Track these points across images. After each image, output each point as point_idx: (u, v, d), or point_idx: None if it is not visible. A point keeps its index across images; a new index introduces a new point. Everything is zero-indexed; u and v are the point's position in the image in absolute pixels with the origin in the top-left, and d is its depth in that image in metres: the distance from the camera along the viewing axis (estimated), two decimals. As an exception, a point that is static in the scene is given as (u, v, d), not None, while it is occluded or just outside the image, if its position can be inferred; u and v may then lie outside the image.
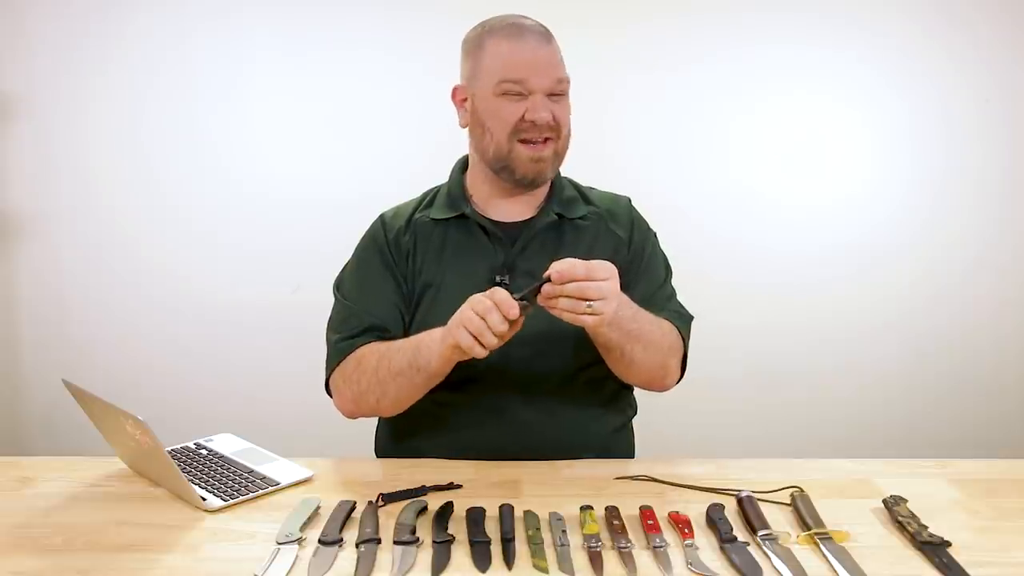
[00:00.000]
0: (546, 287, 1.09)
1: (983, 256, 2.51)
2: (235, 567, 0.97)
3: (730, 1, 2.39)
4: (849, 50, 2.41)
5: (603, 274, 1.10)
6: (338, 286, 1.40)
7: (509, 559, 0.97)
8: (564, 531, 1.03)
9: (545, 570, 0.95)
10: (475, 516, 1.06)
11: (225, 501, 1.13)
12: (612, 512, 1.07)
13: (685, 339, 1.35)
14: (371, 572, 0.94)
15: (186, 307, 2.49)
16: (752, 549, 1.00)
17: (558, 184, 1.39)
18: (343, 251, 1.44)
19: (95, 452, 1.30)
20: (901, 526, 1.04)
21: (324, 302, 1.41)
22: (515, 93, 1.25)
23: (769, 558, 0.97)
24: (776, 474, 1.21)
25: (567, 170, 1.42)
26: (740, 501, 1.11)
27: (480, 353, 1.10)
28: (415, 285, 1.35)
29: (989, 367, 2.55)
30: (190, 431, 1.39)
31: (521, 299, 1.09)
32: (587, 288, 1.08)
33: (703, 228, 2.44)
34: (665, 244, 1.44)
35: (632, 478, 1.22)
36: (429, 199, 1.42)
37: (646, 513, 1.07)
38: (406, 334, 1.31)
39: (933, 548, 0.98)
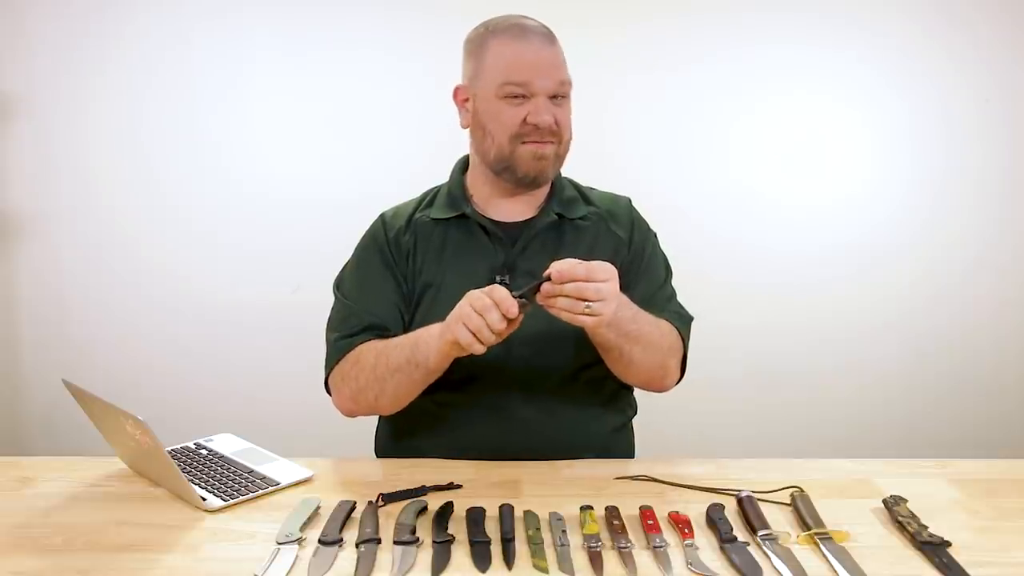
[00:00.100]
0: (545, 286, 1.09)
1: (983, 256, 2.51)
2: (235, 567, 0.97)
3: (730, 1, 2.39)
4: (849, 50, 2.41)
5: (603, 275, 1.10)
6: (338, 285, 1.40)
7: (509, 559, 0.97)
8: (564, 531, 1.02)
9: (545, 570, 0.95)
10: (475, 516, 1.06)
11: (225, 501, 1.12)
12: (612, 512, 1.07)
13: (685, 340, 1.35)
14: (371, 572, 0.94)
15: (186, 307, 2.49)
16: (752, 549, 1.00)
17: (558, 184, 1.39)
18: (343, 251, 1.44)
19: (95, 452, 1.30)
20: (901, 526, 1.04)
21: (324, 302, 1.41)
22: (517, 95, 1.25)
23: (769, 558, 0.97)
24: (776, 474, 1.21)
25: (567, 170, 1.42)
26: (740, 501, 1.11)
27: (479, 350, 1.10)
28: (415, 285, 1.35)
29: (989, 367, 2.55)
30: (190, 431, 1.39)
31: (520, 297, 1.09)
32: (586, 289, 1.08)
33: (703, 228, 2.44)
34: (665, 244, 1.44)
35: (632, 478, 1.22)
36: (429, 199, 1.42)
37: (646, 513, 1.07)
38: (406, 333, 1.31)
39: (933, 548, 0.98)
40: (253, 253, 2.47)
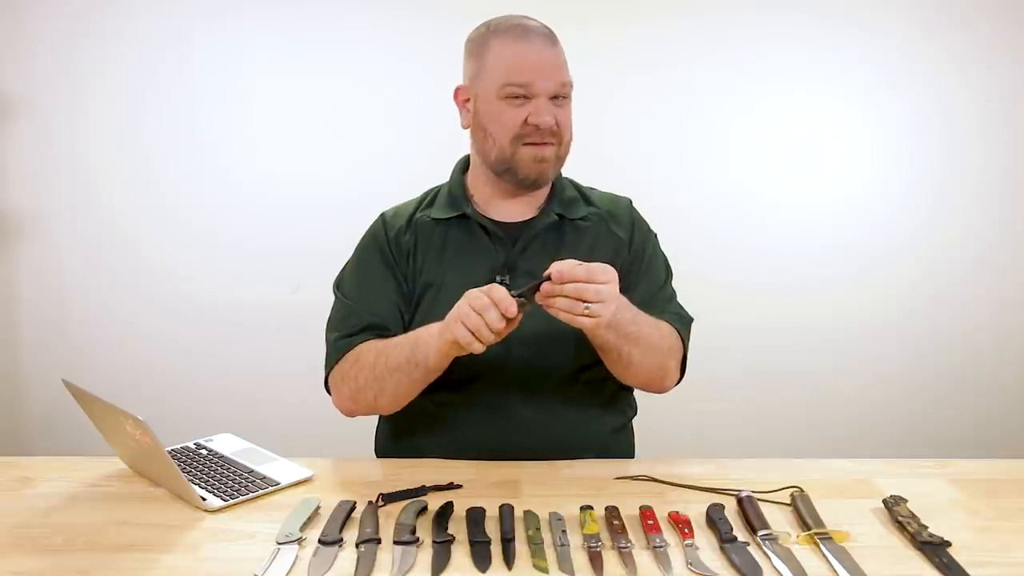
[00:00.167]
0: (545, 286, 1.09)
1: (983, 256, 2.51)
2: (235, 567, 0.97)
3: (730, 1, 2.39)
4: (849, 50, 2.41)
5: (603, 277, 1.10)
6: (338, 285, 1.40)
7: (509, 559, 0.97)
8: (564, 531, 1.02)
9: (545, 570, 0.95)
10: (475, 516, 1.06)
11: (225, 501, 1.12)
12: (612, 512, 1.07)
13: (685, 341, 1.35)
14: (371, 572, 0.94)
15: (186, 307, 2.49)
16: (752, 549, 1.00)
17: (559, 184, 1.39)
18: (343, 251, 1.44)
19: (95, 452, 1.30)
20: (901, 526, 1.04)
21: (324, 302, 1.41)
22: (518, 96, 1.25)
23: (769, 558, 0.97)
24: (776, 474, 1.21)
25: (568, 170, 1.42)
26: (740, 501, 1.11)
27: (478, 349, 1.10)
28: (415, 284, 1.35)
29: (989, 367, 2.55)
30: (190, 431, 1.39)
31: (519, 296, 1.09)
32: (585, 290, 1.08)
33: (703, 228, 2.44)
34: (665, 244, 1.44)
35: (632, 478, 1.22)
36: (430, 199, 1.42)
37: (646, 513, 1.07)
38: (406, 333, 1.31)
39: (933, 548, 0.98)
40: (253, 253, 2.47)
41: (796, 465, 1.27)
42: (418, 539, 1.01)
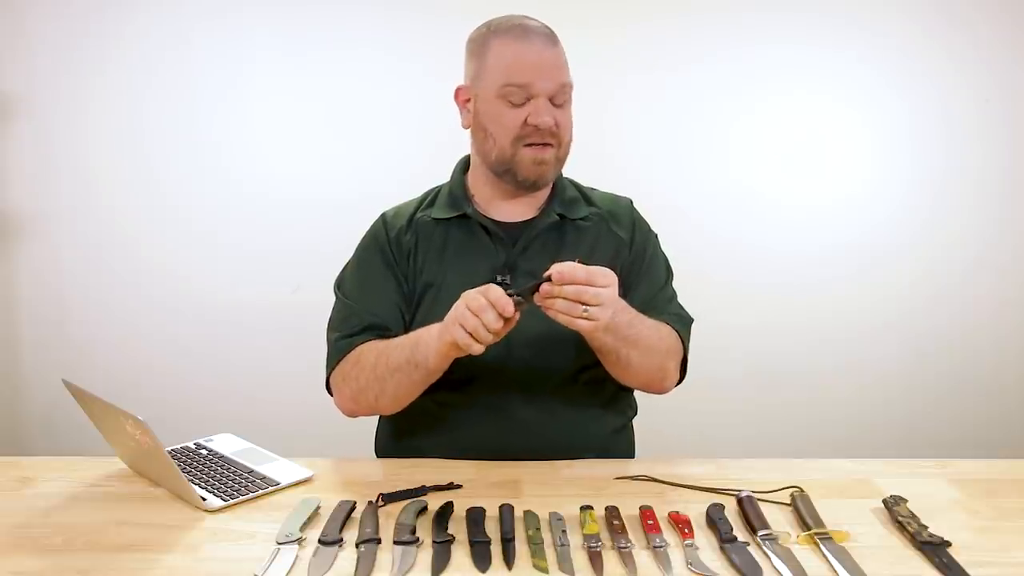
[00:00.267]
0: (544, 286, 1.09)
1: (983, 256, 2.51)
2: (235, 567, 0.97)
3: (730, 1, 2.39)
4: (849, 50, 2.42)
5: (603, 281, 1.10)
6: (339, 285, 1.40)
7: (509, 559, 0.97)
8: (564, 531, 1.02)
9: (545, 570, 0.95)
10: (475, 516, 1.06)
11: (225, 501, 1.12)
12: (612, 512, 1.07)
13: (685, 342, 1.35)
14: (371, 572, 0.94)
15: (186, 307, 2.49)
16: (752, 549, 1.00)
17: (560, 185, 1.39)
18: (343, 251, 1.44)
19: (95, 452, 1.30)
20: (901, 526, 1.04)
21: (324, 302, 1.41)
22: (518, 97, 1.25)
23: (769, 558, 0.97)
24: (776, 474, 1.21)
25: (568, 170, 1.42)
26: (740, 501, 1.11)
27: (477, 350, 1.10)
28: (416, 284, 1.35)
29: (989, 367, 2.55)
30: (190, 431, 1.39)
31: (517, 295, 1.09)
32: (585, 292, 1.08)
33: (703, 228, 2.44)
34: (665, 244, 1.44)
35: (632, 478, 1.22)
36: (430, 199, 1.42)
37: (646, 513, 1.07)
38: (406, 333, 1.31)
39: (933, 548, 0.98)
40: (253, 253, 2.47)
41: (796, 465, 1.27)
42: (418, 539, 1.01)
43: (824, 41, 2.41)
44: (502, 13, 1.32)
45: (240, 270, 2.47)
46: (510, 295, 1.09)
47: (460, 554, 0.98)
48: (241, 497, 1.14)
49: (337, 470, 1.25)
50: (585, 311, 1.09)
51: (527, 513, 1.07)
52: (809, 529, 1.03)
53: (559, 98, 1.27)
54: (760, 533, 1.02)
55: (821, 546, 1.00)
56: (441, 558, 0.97)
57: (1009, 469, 1.26)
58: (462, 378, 1.28)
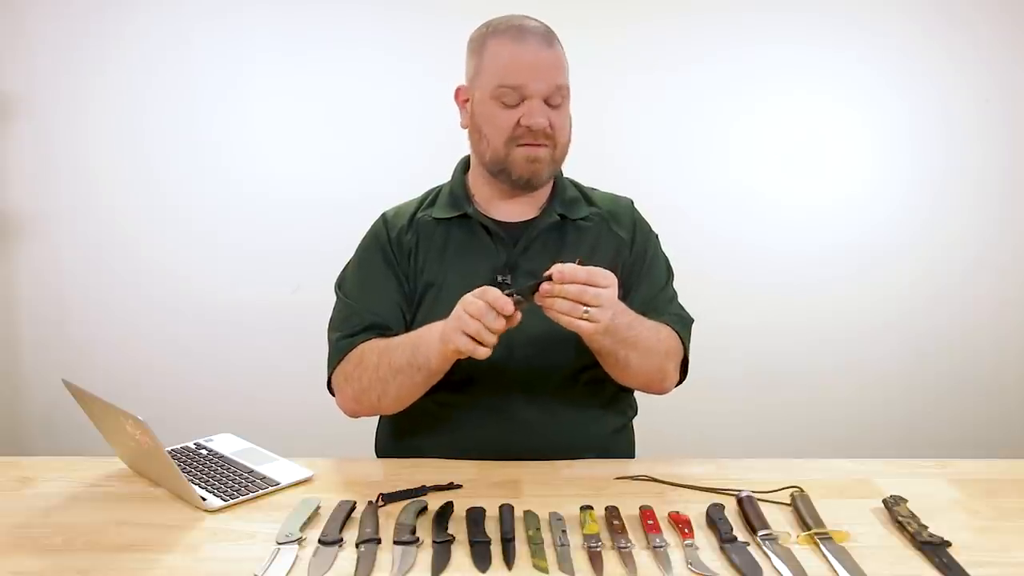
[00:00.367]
0: (544, 285, 1.09)
1: (983, 256, 2.51)
2: (235, 567, 0.97)
3: (730, 1, 2.39)
4: (849, 50, 2.42)
5: (603, 281, 1.10)
6: (339, 285, 1.40)
7: (509, 559, 0.97)
8: (564, 531, 1.02)
9: (545, 570, 0.94)
10: (475, 516, 1.06)
11: (225, 501, 1.12)
12: (612, 512, 1.07)
13: (685, 343, 1.35)
14: (371, 572, 0.94)
15: (186, 307, 2.49)
16: (752, 549, 1.00)
17: (560, 185, 1.39)
18: (343, 251, 1.44)
19: (95, 452, 1.30)
20: (901, 526, 1.04)
21: (324, 302, 1.41)
22: (512, 98, 1.25)
23: (769, 558, 0.97)
24: (776, 474, 1.21)
25: (568, 170, 1.42)
26: (740, 501, 1.11)
27: (483, 354, 1.10)
28: (417, 284, 1.35)
29: (989, 367, 2.55)
30: (190, 431, 1.39)
31: (517, 294, 1.10)
32: (586, 292, 1.08)
33: (703, 228, 2.44)
34: (665, 244, 1.44)
35: (632, 478, 1.22)
36: (431, 198, 1.42)
37: (646, 513, 1.07)
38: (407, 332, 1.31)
39: (933, 548, 0.98)
40: (253, 253, 2.47)
41: (796, 465, 1.27)
42: (418, 539, 1.01)
43: (824, 41, 2.41)
44: (502, 13, 1.32)
45: (240, 270, 2.47)
46: (509, 294, 1.09)
47: (460, 554, 0.98)
48: (241, 497, 1.14)
49: (337, 470, 1.25)
50: (586, 312, 1.09)
51: (527, 513, 1.07)
52: (809, 529, 1.03)
53: (554, 99, 1.26)
54: (760, 533, 1.02)
55: (821, 546, 1.00)
56: (441, 558, 0.97)
57: (1009, 469, 1.26)
58: (463, 379, 1.28)
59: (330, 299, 1.40)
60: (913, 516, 1.05)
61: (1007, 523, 1.08)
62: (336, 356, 1.33)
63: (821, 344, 2.53)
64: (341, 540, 1.01)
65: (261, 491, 1.16)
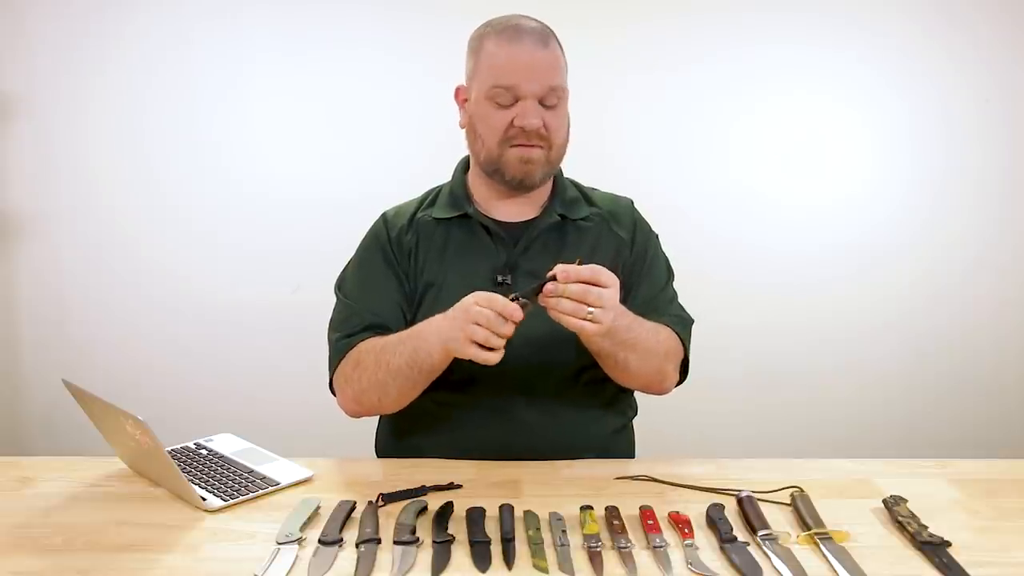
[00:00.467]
0: (549, 285, 1.09)
1: (983, 256, 2.51)
2: (235, 567, 0.97)
3: (730, 1, 2.39)
4: (849, 50, 2.41)
5: (606, 280, 1.10)
6: (339, 285, 1.40)
7: (509, 559, 0.97)
8: (564, 531, 1.02)
9: (545, 570, 0.95)
10: (475, 516, 1.06)
11: (225, 501, 1.12)
12: (612, 512, 1.07)
13: (685, 343, 1.35)
14: (371, 572, 0.94)
15: (186, 307, 2.49)
16: (752, 549, 1.00)
17: (560, 185, 1.39)
18: (343, 251, 1.44)
19: (95, 452, 1.30)
20: (901, 526, 1.04)
21: (324, 302, 1.41)
22: (506, 98, 1.25)
23: (769, 558, 0.97)
24: (776, 474, 1.21)
25: (568, 170, 1.42)
26: (740, 501, 1.11)
27: (495, 359, 1.11)
28: (417, 284, 1.35)
29: (989, 367, 2.55)
30: (190, 431, 1.39)
31: (521, 297, 1.10)
32: (589, 293, 1.08)
33: (703, 228, 2.44)
34: (665, 244, 1.44)
35: (632, 478, 1.22)
36: (431, 198, 1.42)
37: (646, 513, 1.07)
38: (405, 331, 1.31)
39: (933, 548, 0.98)
40: (253, 253, 2.47)
41: (796, 465, 1.27)
42: (418, 539, 1.01)
43: (824, 41, 2.41)
44: (502, 13, 1.31)
45: (240, 270, 2.47)
46: (514, 297, 1.09)
47: (460, 554, 0.98)
48: (241, 497, 1.14)
49: (337, 470, 1.25)
50: (590, 313, 1.09)
51: (527, 513, 1.07)
52: (809, 529, 1.03)
53: (549, 100, 1.26)
54: (760, 533, 1.02)
55: (821, 546, 1.00)
56: (441, 558, 0.97)
57: (1009, 469, 1.26)
58: (463, 378, 1.28)
59: (330, 299, 1.40)
60: (913, 516, 1.05)
61: (1007, 523, 1.08)
62: (336, 357, 1.33)
63: (821, 344, 2.53)
64: (341, 540, 1.01)
65: (261, 491, 1.16)
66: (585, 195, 1.42)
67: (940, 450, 1.59)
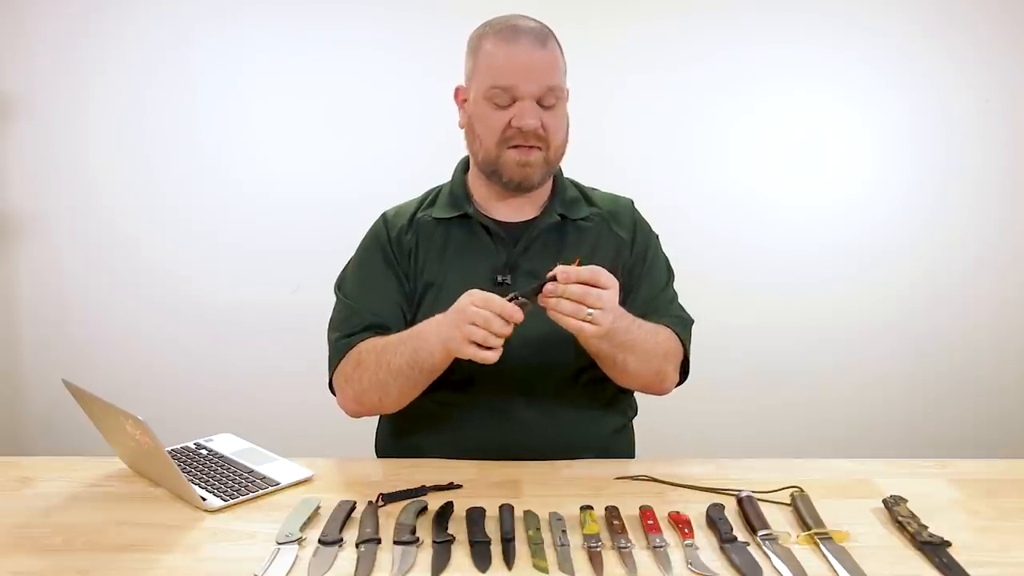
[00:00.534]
0: (548, 285, 1.09)
1: (983, 256, 2.51)
2: (235, 567, 0.97)
3: (730, 1, 2.39)
4: (849, 50, 2.42)
5: (606, 282, 1.10)
6: (339, 285, 1.40)
7: (509, 559, 0.97)
8: (564, 531, 1.02)
9: (545, 570, 0.95)
10: (475, 516, 1.06)
11: (225, 501, 1.12)
12: (612, 512, 1.07)
13: (685, 344, 1.35)
14: (371, 572, 0.94)
15: (186, 307, 2.49)
16: (752, 549, 1.00)
17: (560, 185, 1.39)
18: (343, 251, 1.44)
19: (95, 452, 1.30)
20: (901, 526, 1.04)
21: (324, 302, 1.41)
22: (503, 99, 1.24)
23: (769, 558, 0.97)
24: (776, 474, 1.21)
25: (568, 170, 1.42)
26: (740, 501, 1.11)
27: (493, 358, 1.11)
28: (417, 284, 1.35)
29: (989, 367, 2.55)
30: (190, 431, 1.39)
31: (522, 296, 1.10)
32: (589, 294, 1.08)
33: (703, 228, 2.44)
34: (665, 244, 1.44)
35: (632, 478, 1.22)
36: (431, 198, 1.42)
37: (646, 513, 1.07)
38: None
39: (933, 548, 0.98)
40: (253, 253, 2.47)
41: (796, 465, 1.27)
42: (418, 539, 1.01)
43: (824, 41, 2.41)
44: (501, 13, 1.31)
45: (240, 270, 2.47)
46: (513, 297, 1.09)
47: (460, 554, 0.98)
48: (241, 497, 1.14)
49: (337, 470, 1.25)
50: (589, 314, 1.09)
51: (527, 513, 1.07)
52: (809, 529, 1.03)
53: (547, 100, 1.25)
54: (760, 533, 1.02)
55: (821, 546, 1.00)
56: (441, 558, 0.97)
57: (1009, 469, 1.26)
58: (463, 378, 1.28)
59: (330, 299, 1.40)
60: (913, 516, 1.05)
61: (1007, 523, 1.08)
62: (336, 357, 1.33)
63: (821, 344, 2.53)
64: (341, 540, 1.01)
65: (261, 491, 1.16)
66: (585, 195, 1.42)
67: (940, 450, 1.59)
